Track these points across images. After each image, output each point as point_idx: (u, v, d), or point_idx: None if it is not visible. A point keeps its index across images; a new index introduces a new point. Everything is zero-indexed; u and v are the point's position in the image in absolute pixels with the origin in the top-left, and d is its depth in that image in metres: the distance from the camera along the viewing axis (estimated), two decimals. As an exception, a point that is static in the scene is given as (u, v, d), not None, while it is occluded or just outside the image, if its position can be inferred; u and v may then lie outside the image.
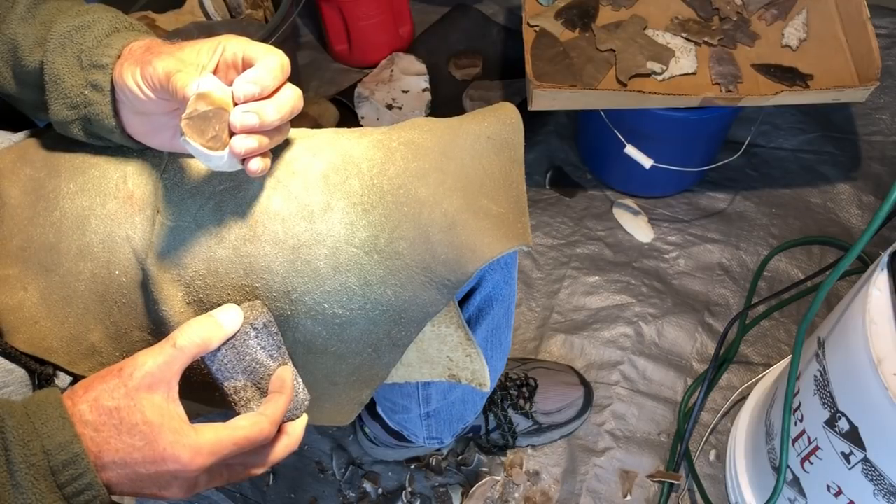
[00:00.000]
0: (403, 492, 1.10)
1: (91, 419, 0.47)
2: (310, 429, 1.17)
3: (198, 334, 0.50)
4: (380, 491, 1.11)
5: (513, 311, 0.77)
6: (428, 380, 0.68)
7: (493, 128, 0.60)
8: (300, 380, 0.57)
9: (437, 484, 1.11)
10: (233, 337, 0.53)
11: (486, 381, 0.68)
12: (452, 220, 0.55)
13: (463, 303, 0.68)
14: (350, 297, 0.56)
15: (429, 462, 1.12)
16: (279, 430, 0.54)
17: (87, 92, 0.55)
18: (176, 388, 0.49)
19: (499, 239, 0.56)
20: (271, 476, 1.13)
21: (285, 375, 0.55)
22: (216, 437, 0.48)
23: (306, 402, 0.57)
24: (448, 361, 0.66)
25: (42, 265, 0.59)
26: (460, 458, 1.12)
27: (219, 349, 0.52)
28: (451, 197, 0.56)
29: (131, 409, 0.47)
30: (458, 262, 0.55)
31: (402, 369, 0.67)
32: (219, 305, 0.56)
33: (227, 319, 0.52)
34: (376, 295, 0.56)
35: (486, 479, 1.11)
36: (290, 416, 0.55)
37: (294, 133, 0.62)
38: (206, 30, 1.32)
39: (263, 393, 0.55)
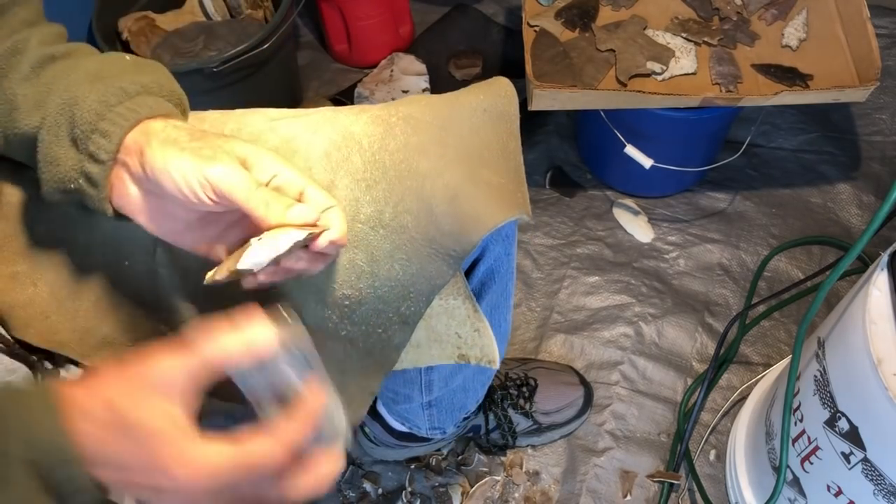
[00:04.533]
0: (403, 492, 1.10)
1: (99, 416, 0.44)
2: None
3: (224, 351, 0.46)
4: (380, 491, 1.11)
5: (511, 290, 0.77)
6: (437, 363, 0.68)
7: (489, 101, 0.61)
8: (341, 409, 0.50)
9: (437, 484, 1.11)
10: (262, 360, 0.48)
11: (495, 358, 0.67)
12: (454, 192, 0.56)
13: (466, 276, 0.68)
14: (358, 276, 0.56)
15: (429, 462, 1.12)
16: (304, 464, 0.48)
17: (80, 181, 0.51)
18: (191, 401, 0.46)
19: (501, 208, 0.56)
20: (271, 476, 1.13)
21: (315, 400, 0.48)
22: (218, 458, 0.44)
23: (343, 434, 0.50)
24: (457, 338, 0.66)
25: (50, 260, 0.59)
26: (460, 458, 1.12)
27: (247, 368, 0.48)
28: (451, 169, 0.56)
29: (140, 414, 0.44)
30: (462, 232, 0.55)
31: (411, 352, 0.67)
32: (230, 291, 0.53)
33: (258, 341, 0.47)
34: (384, 271, 0.56)
35: (486, 479, 1.10)
36: (318, 445, 0.49)
37: (292, 112, 0.62)
38: (206, 30, 1.32)
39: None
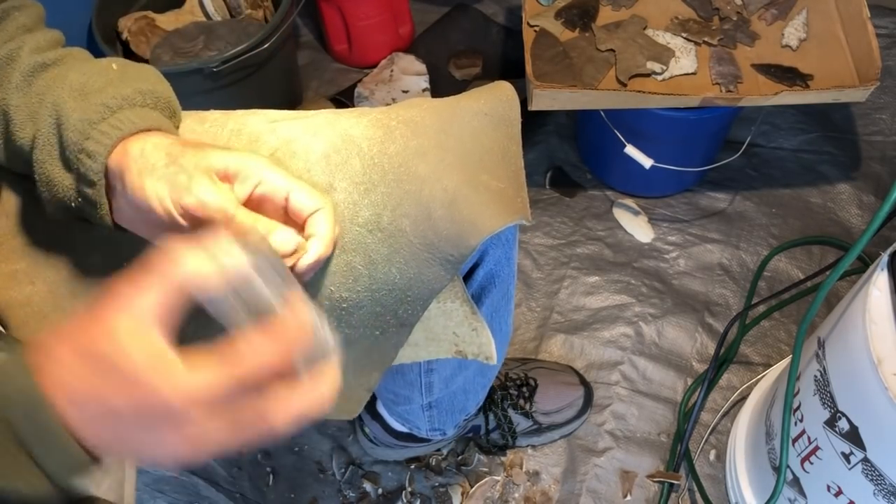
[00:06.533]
0: (403, 492, 1.10)
1: (76, 363, 0.40)
2: (310, 429, 1.17)
3: (194, 275, 0.41)
4: (380, 491, 1.11)
5: (512, 293, 0.77)
6: (434, 357, 0.68)
7: (490, 105, 0.60)
8: (326, 326, 0.47)
9: (437, 484, 1.11)
10: (233, 278, 0.43)
11: (493, 355, 0.67)
12: (453, 196, 0.55)
13: (465, 281, 0.68)
14: (356, 279, 0.56)
15: (429, 462, 1.12)
16: (300, 383, 0.44)
17: (79, 200, 0.52)
18: (168, 326, 0.41)
19: (499, 213, 0.56)
20: (271, 476, 1.13)
21: (296, 316, 0.43)
22: (211, 377, 0.40)
23: (332, 351, 0.48)
24: (454, 337, 0.66)
25: (50, 259, 0.59)
26: (460, 458, 1.12)
27: (219, 292, 0.44)
28: (451, 173, 0.56)
29: (118, 350, 0.39)
30: (460, 236, 0.55)
31: (408, 349, 0.67)
32: None
33: (227, 260, 0.42)
34: (381, 274, 0.56)
35: (486, 479, 1.11)
36: (309, 364, 0.46)
37: (292, 113, 0.62)
38: (206, 30, 1.32)
39: None
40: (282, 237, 0.48)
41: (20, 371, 0.40)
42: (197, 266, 0.41)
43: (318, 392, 0.44)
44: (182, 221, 0.48)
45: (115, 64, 0.55)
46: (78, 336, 0.41)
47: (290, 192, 0.50)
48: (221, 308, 0.44)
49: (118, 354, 0.39)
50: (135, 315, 0.40)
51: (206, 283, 0.41)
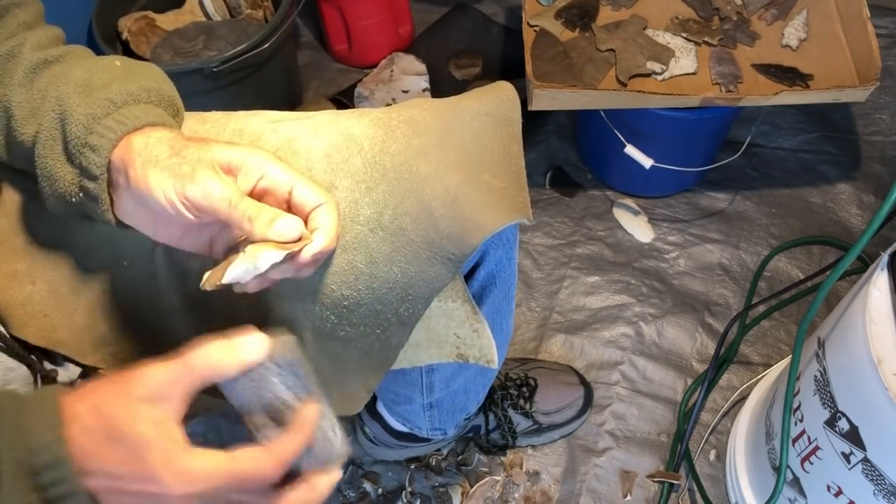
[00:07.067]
0: (403, 492, 1.10)
1: (88, 423, 0.44)
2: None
3: (212, 358, 0.45)
4: (380, 491, 1.11)
5: (513, 294, 0.77)
6: (436, 361, 0.68)
7: (491, 105, 0.61)
8: (338, 430, 0.50)
9: (437, 484, 1.11)
10: (253, 370, 0.47)
11: (494, 358, 0.67)
12: (454, 195, 0.55)
13: (466, 281, 0.68)
14: (357, 277, 0.56)
15: (429, 462, 1.12)
16: (300, 479, 0.49)
17: (81, 195, 0.52)
18: (180, 409, 0.45)
19: (501, 212, 0.56)
20: (271, 476, 1.14)
21: (307, 415, 0.48)
22: (208, 467, 0.44)
23: (341, 455, 0.50)
24: (455, 339, 0.66)
25: (50, 259, 0.60)
26: (460, 458, 1.12)
27: (236, 379, 0.47)
28: (452, 172, 0.56)
29: (127, 421, 0.43)
30: (461, 235, 0.55)
31: (410, 352, 0.67)
32: (227, 295, 0.54)
33: (247, 349, 0.46)
34: (383, 273, 0.56)
35: (486, 479, 1.11)
36: (314, 465, 0.49)
37: (294, 114, 0.62)
38: (206, 30, 1.32)
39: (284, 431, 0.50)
40: (286, 224, 0.48)
41: (42, 411, 0.43)
42: (220, 357, 0.45)
43: (309, 495, 0.48)
44: (186, 213, 0.48)
45: (118, 61, 0.55)
46: (96, 399, 0.44)
47: (293, 187, 0.50)
48: (237, 396, 0.48)
49: (128, 427, 0.43)
50: (152, 393, 0.44)
51: (225, 372, 0.45)
